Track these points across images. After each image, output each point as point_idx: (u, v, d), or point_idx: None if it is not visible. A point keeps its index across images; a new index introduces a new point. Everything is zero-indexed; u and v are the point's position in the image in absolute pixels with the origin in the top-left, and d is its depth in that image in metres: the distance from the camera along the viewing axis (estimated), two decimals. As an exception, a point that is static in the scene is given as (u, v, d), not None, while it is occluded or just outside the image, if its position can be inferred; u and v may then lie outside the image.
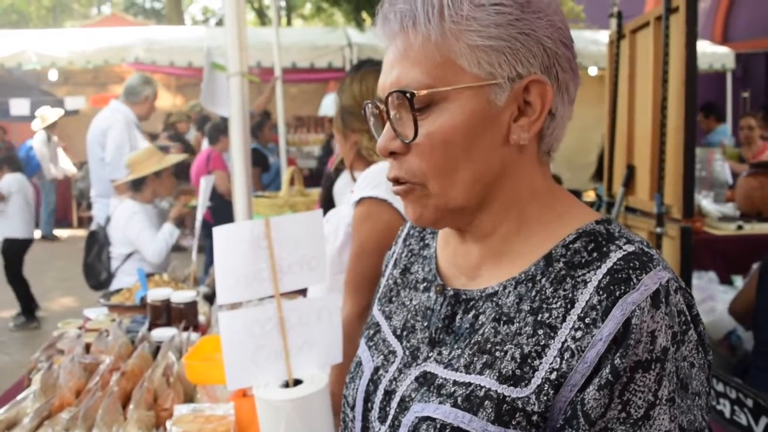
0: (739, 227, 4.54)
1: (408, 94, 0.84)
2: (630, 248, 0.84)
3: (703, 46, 9.49)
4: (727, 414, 2.45)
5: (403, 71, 0.86)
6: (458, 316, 0.92)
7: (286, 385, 1.38)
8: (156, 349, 2.11)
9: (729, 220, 4.64)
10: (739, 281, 4.12)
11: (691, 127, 3.23)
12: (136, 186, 4.05)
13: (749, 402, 2.35)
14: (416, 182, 0.88)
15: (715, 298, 3.94)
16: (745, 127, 6.82)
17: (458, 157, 0.85)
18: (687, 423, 0.79)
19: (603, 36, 4.97)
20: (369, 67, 2.18)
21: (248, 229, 1.38)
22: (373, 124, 0.95)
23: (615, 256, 0.83)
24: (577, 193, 5.69)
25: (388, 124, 0.88)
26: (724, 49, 10.06)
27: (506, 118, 0.86)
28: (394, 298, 1.06)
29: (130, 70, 9.27)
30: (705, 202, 4.92)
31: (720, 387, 2.49)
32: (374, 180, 2.00)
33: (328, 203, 3.24)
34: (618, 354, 0.77)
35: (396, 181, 0.90)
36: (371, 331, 1.07)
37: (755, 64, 10.85)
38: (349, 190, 2.21)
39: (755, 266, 3.81)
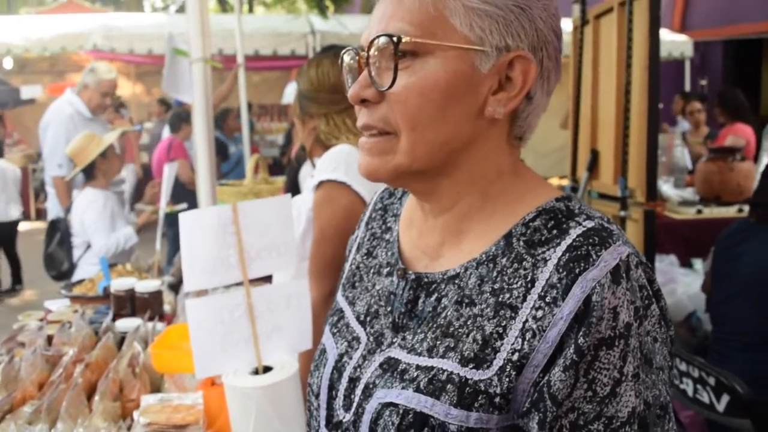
0: (699, 211, 4.62)
1: (394, 38, 0.82)
2: (589, 224, 0.83)
3: (663, 34, 9.60)
4: (690, 393, 2.50)
5: (392, 20, 0.84)
6: (421, 300, 0.91)
7: (256, 372, 1.36)
8: (120, 340, 2.07)
9: (689, 205, 4.72)
10: (698, 264, 4.20)
11: (654, 112, 3.27)
12: (88, 174, 4.01)
13: (711, 380, 2.40)
14: (389, 131, 0.86)
15: (675, 280, 4.01)
16: (694, 111, 7.01)
17: (431, 115, 0.84)
18: (652, 398, 0.79)
19: (566, 24, 4.99)
20: (329, 52, 2.17)
21: (215, 214, 1.36)
22: (348, 74, 0.92)
23: (574, 232, 0.82)
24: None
25: (364, 71, 0.86)
26: (682, 38, 10.23)
27: (485, 89, 0.85)
28: (357, 284, 1.05)
29: (89, 58, 9.07)
30: (666, 186, 5.00)
31: (683, 366, 2.54)
32: (332, 163, 1.99)
33: (293, 191, 3.21)
34: (581, 333, 0.77)
35: (367, 128, 0.88)
36: (335, 318, 1.05)
37: (713, 53, 11.06)
38: (310, 175, 2.20)
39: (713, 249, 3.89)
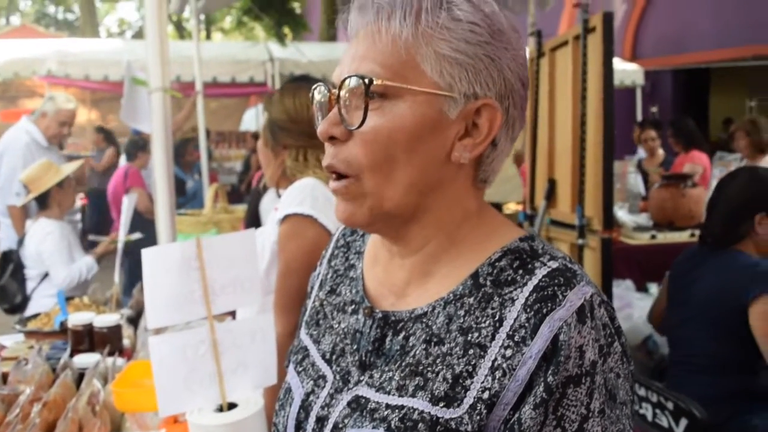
0: (653, 237, 4.74)
1: (366, 80, 0.84)
2: (554, 264, 0.86)
3: (615, 63, 9.85)
4: (650, 417, 2.54)
5: (365, 61, 0.86)
6: (388, 339, 0.92)
7: (221, 409, 1.35)
8: (79, 377, 2.01)
9: (643, 230, 4.84)
10: (654, 288, 4.29)
11: (609, 142, 3.35)
12: (42, 203, 3.94)
13: (670, 405, 2.44)
14: (351, 174, 0.87)
15: (631, 305, 4.08)
16: (648, 139, 7.19)
17: (398, 158, 0.86)
18: None
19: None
20: (303, 83, 2.15)
21: (179, 250, 1.35)
22: (318, 109, 0.93)
23: (540, 273, 0.85)
24: (498, 206, 5.84)
25: (335, 108, 0.88)
26: (633, 66, 10.51)
27: (452, 134, 0.87)
28: (321, 321, 1.05)
29: (42, 83, 8.93)
30: (620, 213, 5.11)
31: (642, 391, 2.58)
32: (298, 196, 1.98)
33: (254, 220, 3.19)
34: (550, 371, 0.79)
35: (330, 169, 0.89)
36: (300, 356, 1.05)
37: (663, 81, 11.40)
38: (274, 207, 2.18)
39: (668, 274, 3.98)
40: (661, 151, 7.26)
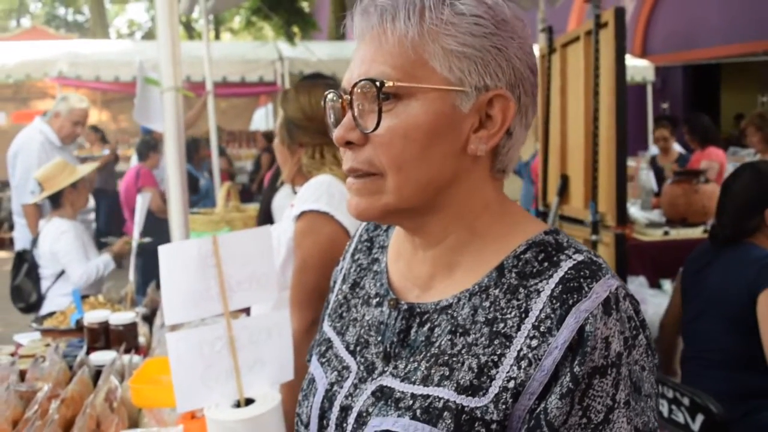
0: (666, 233, 4.71)
1: (378, 83, 0.84)
2: (579, 257, 0.86)
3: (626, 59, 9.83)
4: (666, 413, 2.54)
5: (374, 64, 0.86)
6: (413, 330, 0.93)
7: (238, 404, 1.35)
8: (96, 374, 2.03)
9: (656, 227, 4.82)
10: (667, 285, 4.27)
11: (622, 138, 3.33)
12: (55, 203, 3.97)
13: (686, 400, 2.43)
14: (375, 172, 0.88)
15: (645, 301, 4.07)
16: (661, 139, 7.15)
17: (415, 155, 0.86)
18: (642, 424, 0.82)
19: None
20: (317, 80, 2.16)
21: (195, 247, 1.36)
22: (331, 115, 0.94)
23: (566, 265, 0.85)
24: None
25: (348, 114, 0.88)
26: (644, 62, 10.49)
27: (467, 127, 0.87)
28: (344, 314, 1.06)
29: (53, 85, 8.98)
30: (633, 209, 5.09)
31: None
32: (314, 193, 1.98)
33: (266, 219, 3.20)
34: (576, 361, 0.79)
35: (353, 171, 0.90)
36: (323, 348, 1.06)
37: (673, 77, 11.35)
38: (288, 204, 2.18)
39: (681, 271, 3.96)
40: (675, 148, 7.22)
